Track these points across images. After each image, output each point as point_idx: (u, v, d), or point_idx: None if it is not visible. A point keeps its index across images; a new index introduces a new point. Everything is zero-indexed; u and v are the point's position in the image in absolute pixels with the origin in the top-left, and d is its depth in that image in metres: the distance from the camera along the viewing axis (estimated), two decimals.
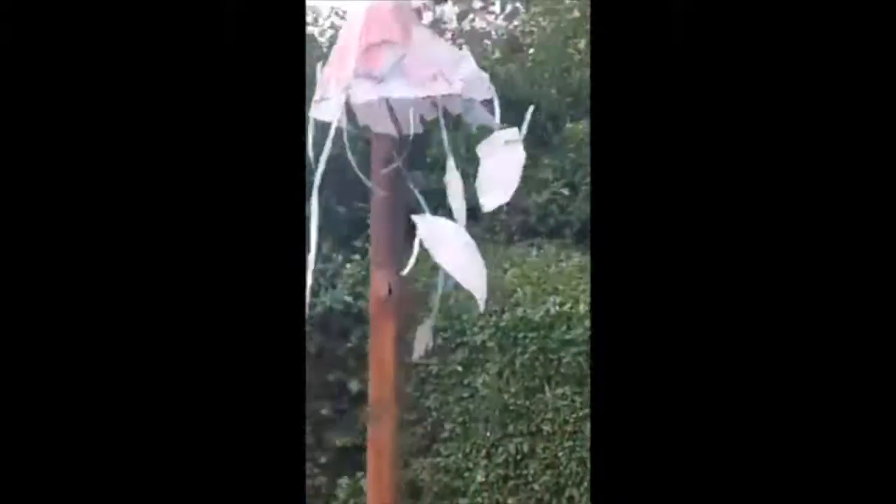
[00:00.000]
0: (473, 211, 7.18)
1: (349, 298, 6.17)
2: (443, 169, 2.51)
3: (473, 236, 7.09)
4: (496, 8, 8.56)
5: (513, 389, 5.72)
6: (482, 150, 2.46)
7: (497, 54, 8.11)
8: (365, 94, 2.32)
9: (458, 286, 2.40)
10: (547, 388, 5.63)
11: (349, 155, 2.38)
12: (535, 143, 6.54)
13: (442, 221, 2.37)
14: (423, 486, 6.10)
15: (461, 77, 2.38)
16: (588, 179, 6.49)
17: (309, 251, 2.35)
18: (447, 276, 2.41)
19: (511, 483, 5.71)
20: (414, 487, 6.21)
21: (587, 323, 5.44)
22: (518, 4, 8.52)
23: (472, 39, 8.44)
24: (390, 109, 2.57)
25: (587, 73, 6.75)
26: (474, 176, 2.49)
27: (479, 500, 5.77)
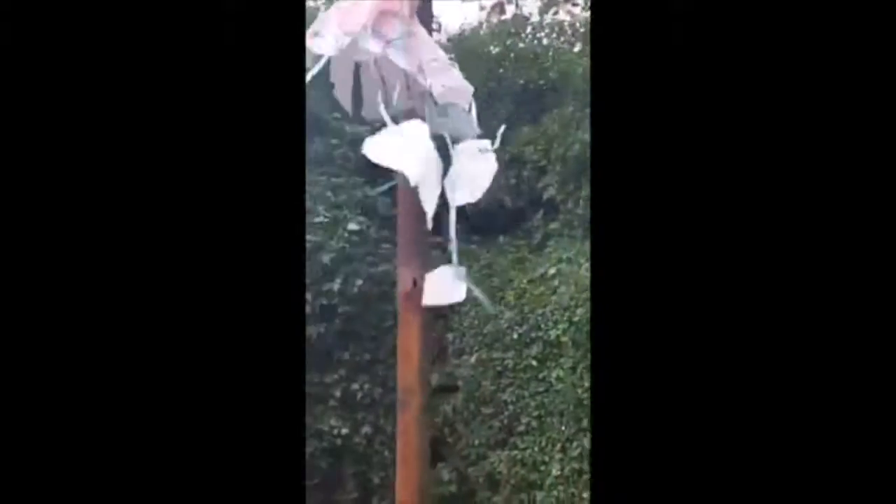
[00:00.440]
0: (547, 204, 7.14)
1: None
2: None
3: (551, 231, 7.05)
4: (581, 0, 8.51)
5: (587, 384, 5.72)
6: (458, 151, 2.60)
7: (578, 47, 8.08)
8: (372, 47, 2.52)
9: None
10: None
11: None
12: None
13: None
14: (501, 478, 6.17)
15: (449, 84, 2.53)
16: None
17: None
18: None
19: (586, 477, 5.71)
20: (492, 480, 6.28)
21: None
22: None
23: (554, 32, 8.43)
24: (382, 80, 2.70)
25: None
26: None
27: (554, 493, 5.80)
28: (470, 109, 2.59)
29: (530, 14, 8.47)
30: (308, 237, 6.77)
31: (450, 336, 6.64)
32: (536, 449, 5.97)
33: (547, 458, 5.89)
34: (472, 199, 2.63)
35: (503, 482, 6.15)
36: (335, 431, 6.67)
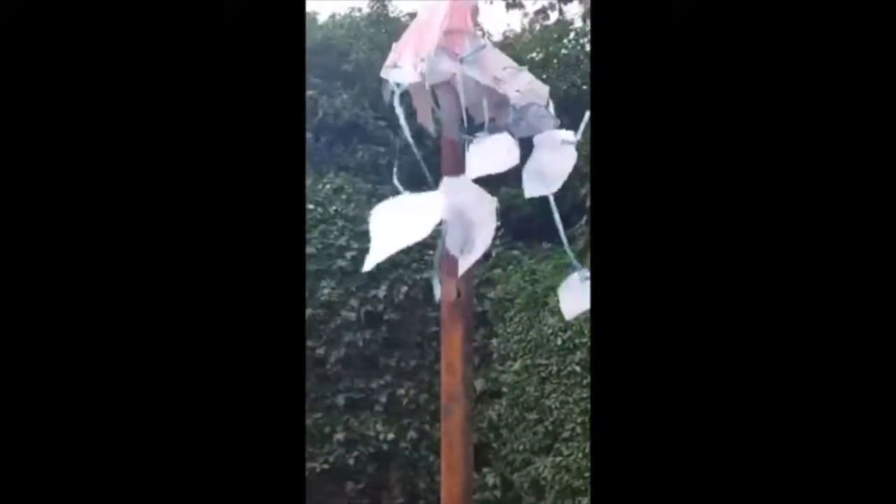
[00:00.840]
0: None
1: None
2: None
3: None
4: None
5: None
6: (538, 142, 2.60)
7: None
8: (445, 66, 2.50)
9: None
10: None
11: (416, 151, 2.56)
12: None
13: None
14: (545, 484, 6.17)
15: (521, 88, 2.54)
16: None
17: None
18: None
19: None
20: (536, 486, 6.29)
21: None
22: None
23: None
24: (456, 97, 2.70)
25: None
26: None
27: None
28: (548, 106, 2.61)
29: (573, 20, 8.48)
30: (354, 245, 6.87)
31: (494, 342, 6.67)
32: (581, 455, 5.95)
33: None
34: (548, 192, 2.62)
35: (548, 488, 6.15)
36: (381, 437, 6.74)
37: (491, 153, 2.52)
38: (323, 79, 8.27)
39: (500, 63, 2.63)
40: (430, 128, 2.77)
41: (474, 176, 2.53)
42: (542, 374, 6.27)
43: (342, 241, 6.94)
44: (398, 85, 2.59)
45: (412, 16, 9.07)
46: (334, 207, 7.11)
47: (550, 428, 6.19)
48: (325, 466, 6.60)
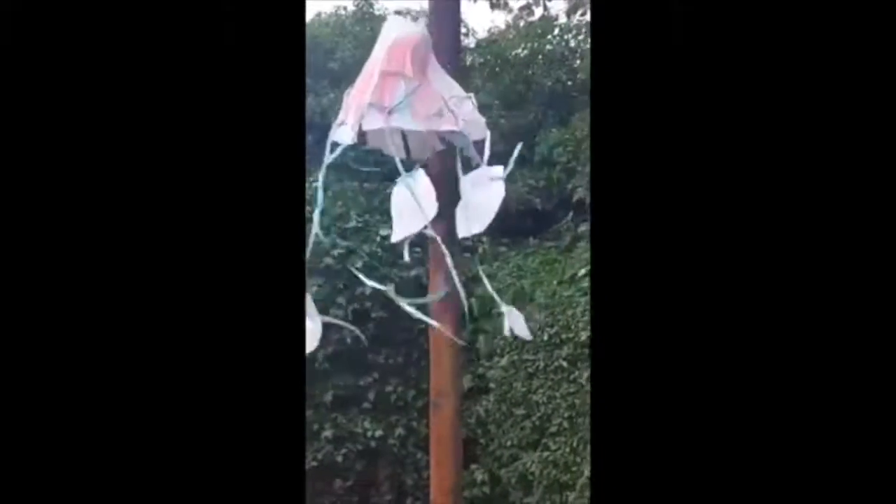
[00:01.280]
0: (577, 206, 7.14)
1: None
2: None
3: (581, 233, 7.07)
4: None
5: None
6: (466, 182, 2.60)
7: None
8: (374, 122, 2.53)
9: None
10: None
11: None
12: None
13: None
14: (533, 479, 6.21)
15: (463, 117, 2.54)
16: None
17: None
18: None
19: None
20: (524, 481, 6.33)
21: None
22: None
23: (582, 33, 8.46)
24: (404, 138, 2.74)
25: None
26: None
27: (587, 494, 5.83)
28: (483, 142, 2.62)
29: (557, 15, 8.51)
30: (341, 242, 6.88)
31: (481, 338, 6.70)
32: (568, 450, 6.00)
33: (579, 459, 5.92)
34: (480, 230, 2.63)
35: (536, 483, 6.19)
36: (369, 434, 6.76)
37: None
38: (309, 78, 8.25)
39: (449, 90, 2.61)
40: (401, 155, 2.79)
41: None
42: (529, 370, 6.31)
43: (328, 240, 6.94)
44: (336, 145, 2.62)
45: (399, 13, 9.09)
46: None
47: (538, 423, 6.23)
48: (314, 464, 6.61)
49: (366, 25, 8.79)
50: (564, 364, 6.06)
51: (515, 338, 2.83)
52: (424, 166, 2.73)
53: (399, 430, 6.81)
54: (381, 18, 9.04)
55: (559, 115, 7.84)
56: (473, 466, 6.53)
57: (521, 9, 8.75)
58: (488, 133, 2.64)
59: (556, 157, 7.50)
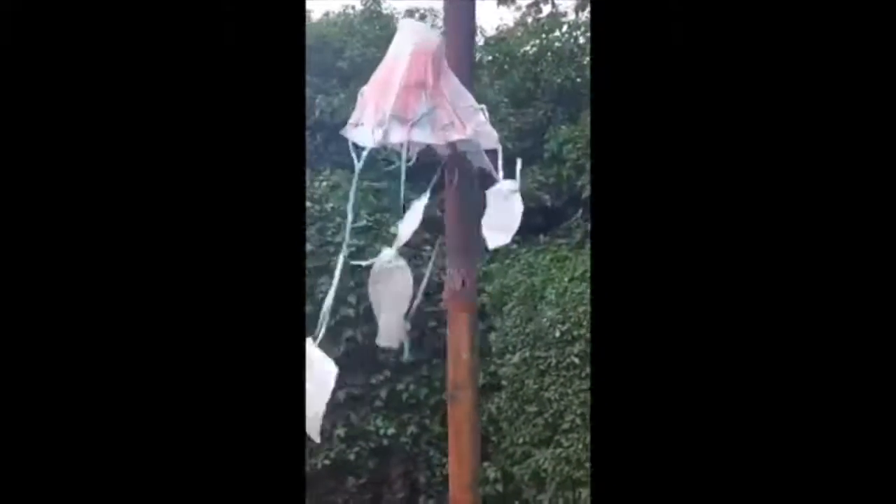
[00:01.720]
0: (586, 203, 7.11)
1: None
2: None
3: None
4: None
5: None
6: (490, 195, 2.67)
7: None
8: (397, 136, 2.61)
9: None
10: None
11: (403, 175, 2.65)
12: None
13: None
14: (546, 476, 6.20)
15: (475, 127, 2.58)
16: None
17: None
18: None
19: None
20: (537, 478, 6.32)
21: None
22: None
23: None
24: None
25: None
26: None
27: None
28: (496, 154, 2.67)
29: (566, 12, 8.50)
30: (352, 241, 6.88)
31: (492, 336, 6.69)
32: (581, 446, 5.98)
33: None
34: (506, 242, 2.77)
35: (548, 480, 6.18)
36: (381, 432, 6.76)
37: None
38: (318, 77, 8.27)
39: (463, 101, 2.66)
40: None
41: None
42: (541, 367, 6.29)
43: (339, 238, 6.95)
44: (358, 147, 2.66)
45: (409, 12, 9.10)
46: (331, 205, 7.12)
47: (550, 420, 6.22)
48: (326, 462, 6.62)
49: (374, 24, 8.80)
50: (576, 360, 6.05)
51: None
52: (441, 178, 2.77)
53: (411, 429, 6.81)
54: (390, 17, 9.05)
55: (568, 111, 7.82)
56: (486, 464, 6.52)
57: (529, 6, 8.75)
58: (500, 147, 2.70)
59: (565, 153, 7.47)
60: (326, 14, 9.27)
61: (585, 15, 8.38)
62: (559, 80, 8.02)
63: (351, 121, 2.69)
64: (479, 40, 8.70)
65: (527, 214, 7.35)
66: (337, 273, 2.76)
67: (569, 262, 6.69)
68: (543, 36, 8.52)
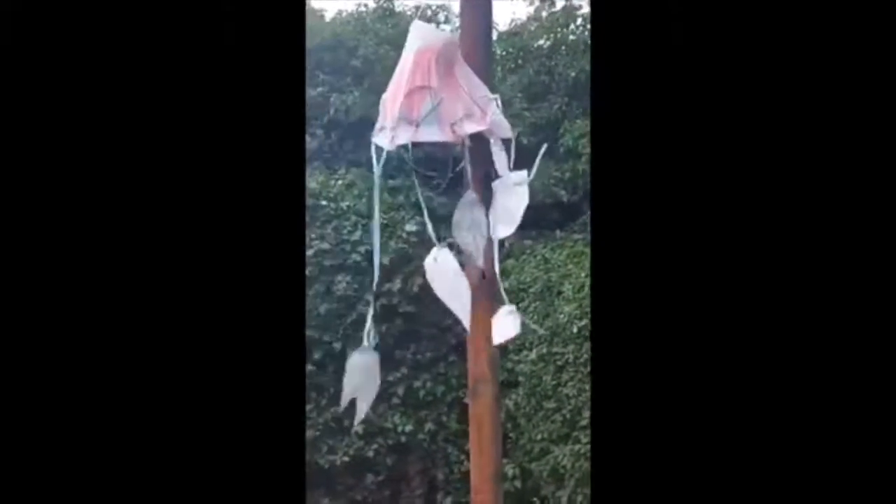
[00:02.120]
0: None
1: None
2: None
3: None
4: None
5: None
6: (496, 187, 2.70)
7: None
8: (404, 136, 2.61)
9: None
10: None
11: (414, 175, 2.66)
12: None
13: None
14: (565, 473, 6.19)
15: (489, 118, 2.58)
16: None
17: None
18: None
19: None
20: (556, 474, 6.30)
21: None
22: None
23: None
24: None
25: None
26: None
27: None
28: (510, 143, 2.68)
29: (580, 5, 8.46)
30: (367, 239, 6.90)
31: None
32: None
33: None
34: (510, 233, 2.75)
35: (567, 476, 6.16)
36: (399, 429, 6.77)
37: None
38: (332, 75, 8.29)
39: (478, 91, 2.66)
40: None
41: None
42: (559, 363, 6.28)
43: (356, 236, 6.97)
44: (380, 149, 2.68)
45: (418, 9, 9.10)
46: (346, 203, 7.14)
47: (568, 416, 6.20)
48: (346, 459, 6.64)
49: (387, 23, 8.81)
50: None
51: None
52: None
53: (429, 426, 6.82)
54: (402, 15, 9.05)
55: (583, 105, 7.79)
56: (504, 461, 6.51)
57: (543, 0, 8.72)
58: (512, 136, 2.70)
59: (581, 148, 7.45)
60: (339, 13, 9.29)
61: None
62: (573, 74, 8.00)
63: (377, 126, 2.73)
64: (493, 35, 8.69)
65: (543, 209, 7.37)
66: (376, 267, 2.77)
67: (585, 258, 6.67)
68: (558, 30, 8.49)
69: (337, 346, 6.76)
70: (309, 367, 6.68)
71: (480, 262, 2.59)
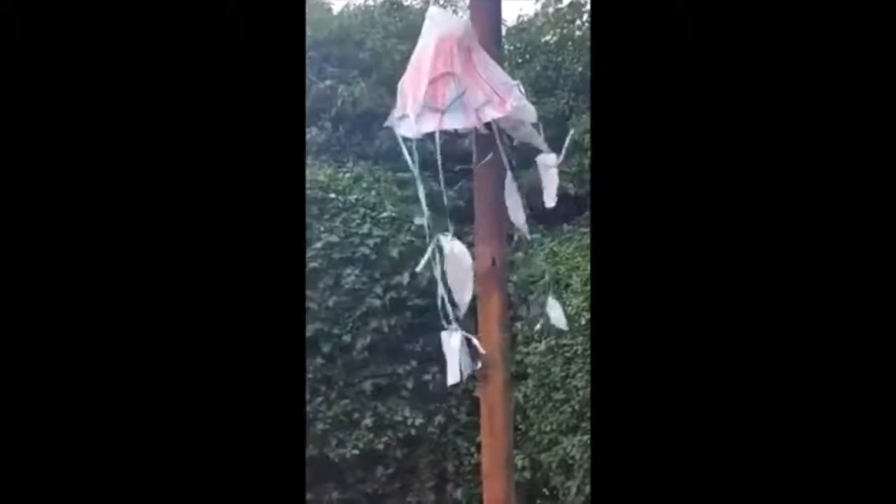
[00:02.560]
0: None
1: None
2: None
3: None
4: None
5: None
6: (538, 164, 2.70)
7: None
8: (429, 125, 2.62)
9: None
10: None
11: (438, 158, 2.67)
12: None
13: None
14: (574, 463, 6.20)
15: (512, 103, 2.58)
16: None
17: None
18: None
19: None
20: (566, 465, 6.32)
21: None
22: None
23: None
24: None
25: None
26: None
27: None
28: (538, 128, 2.68)
29: (586, 1, 8.45)
30: (376, 232, 6.92)
31: (518, 324, 6.69)
32: None
33: None
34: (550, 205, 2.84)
35: (576, 467, 6.18)
36: (409, 422, 6.79)
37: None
38: (340, 68, 8.30)
39: (499, 77, 2.66)
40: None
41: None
42: (567, 355, 6.29)
43: (364, 229, 6.98)
44: (407, 140, 2.68)
45: (427, 1, 9.08)
46: (355, 196, 7.15)
47: (577, 407, 6.21)
48: (355, 452, 6.66)
49: (394, 16, 8.81)
50: None
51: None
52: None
53: (439, 418, 6.83)
54: (410, 9, 9.05)
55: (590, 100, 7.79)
56: (514, 452, 6.54)
57: None
58: (538, 121, 2.70)
59: (588, 142, 7.44)
60: (347, 6, 9.29)
61: None
62: (580, 69, 7.99)
63: (395, 114, 2.72)
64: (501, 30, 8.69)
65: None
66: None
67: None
68: (564, 25, 8.49)
69: (346, 338, 6.77)
70: (318, 361, 6.70)
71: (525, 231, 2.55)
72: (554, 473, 6.39)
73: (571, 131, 2.90)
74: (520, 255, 7.01)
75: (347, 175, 7.37)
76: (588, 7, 8.54)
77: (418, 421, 6.78)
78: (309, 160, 7.40)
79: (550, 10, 8.88)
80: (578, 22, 8.44)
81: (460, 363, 2.52)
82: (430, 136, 2.74)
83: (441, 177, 2.70)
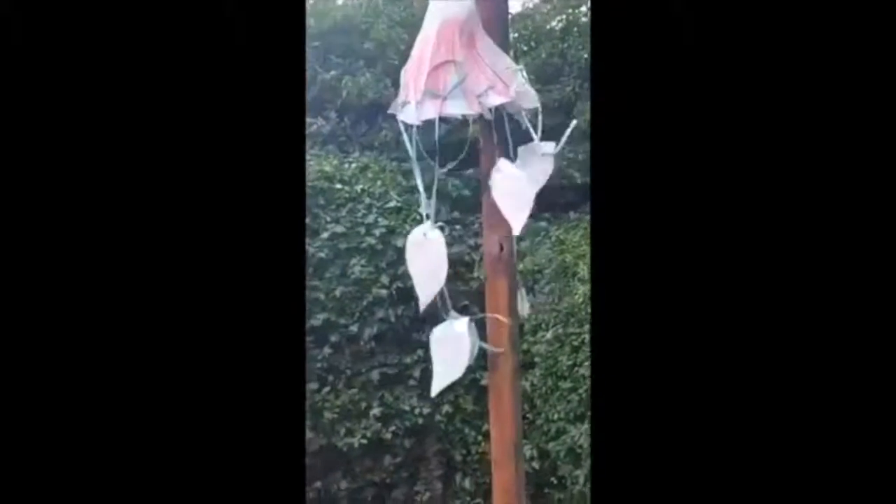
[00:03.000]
0: None
1: None
2: None
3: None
4: None
5: None
6: (521, 154, 2.65)
7: None
8: (430, 111, 2.59)
9: None
10: None
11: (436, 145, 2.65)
12: None
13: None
14: (582, 452, 6.20)
15: (515, 88, 2.56)
16: None
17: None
18: None
19: None
20: (574, 454, 6.32)
21: None
22: None
23: None
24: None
25: None
26: None
27: None
28: (537, 115, 2.65)
29: None
30: (382, 222, 6.91)
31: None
32: None
33: None
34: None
35: (584, 456, 6.18)
36: (416, 411, 6.80)
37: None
38: (345, 59, 8.28)
39: (501, 63, 2.63)
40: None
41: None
42: (575, 343, 6.29)
43: (370, 219, 6.98)
44: (408, 126, 2.66)
45: None
46: (360, 186, 7.14)
47: (584, 396, 6.20)
48: (363, 441, 6.68)
49: (399, 5, 8.78)
50: None
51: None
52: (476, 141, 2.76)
53: (446, 408, 6.84)
54: None
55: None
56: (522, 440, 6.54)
57: None
58: (539, 106, 2.67)
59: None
60: None
61: None
62: (586, 56, 7.95)
63: (398, 100, 2.70)
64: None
65: (557, 191, 7.35)
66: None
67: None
68: (570, 11, 8.45)
69: (353, 328, 6.78)
70: (326, 350, 6.71)
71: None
72: (562, 462, 6.40)
73: (574, 122, 2.86)
74: (525, 243, 7.00)
75: (353, 165, 7.37)
76: None
77: (426, 410, 6.79)
78: (314, 151, 7.40)
79: None
80: (584, 8, 8.40)
81: (471, 348, 2.50)
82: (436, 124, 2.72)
83: (437, 162, 2.69)
